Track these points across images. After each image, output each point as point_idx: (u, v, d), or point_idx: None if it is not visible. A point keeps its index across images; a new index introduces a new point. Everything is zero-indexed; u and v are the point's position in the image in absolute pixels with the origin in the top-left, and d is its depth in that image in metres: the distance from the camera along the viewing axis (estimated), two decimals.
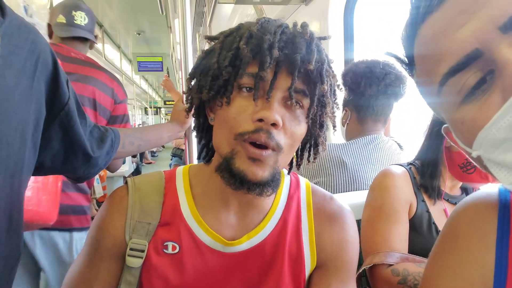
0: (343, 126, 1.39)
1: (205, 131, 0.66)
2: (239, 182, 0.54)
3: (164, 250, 0.61)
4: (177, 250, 0.61)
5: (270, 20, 0.58)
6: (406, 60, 0.46)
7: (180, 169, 0.69)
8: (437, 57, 0.37)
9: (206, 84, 0.57)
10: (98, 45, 5.80)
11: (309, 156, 0.66)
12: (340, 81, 1.37)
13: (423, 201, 0.94)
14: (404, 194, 0.92)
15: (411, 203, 0.92)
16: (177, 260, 0.61)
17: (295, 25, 0.58)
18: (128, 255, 0.60)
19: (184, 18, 1.16)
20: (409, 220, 0.92)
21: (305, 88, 0.55)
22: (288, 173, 0.70)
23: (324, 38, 0.61)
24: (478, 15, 0.33)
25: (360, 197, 1.07)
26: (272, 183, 0.55)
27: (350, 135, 1.36)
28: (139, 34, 5.89)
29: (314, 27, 2.25)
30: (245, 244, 0.62)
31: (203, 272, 0.61)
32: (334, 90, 0.61)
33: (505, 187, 0.35)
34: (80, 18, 1.50)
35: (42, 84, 0.57)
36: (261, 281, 0.62)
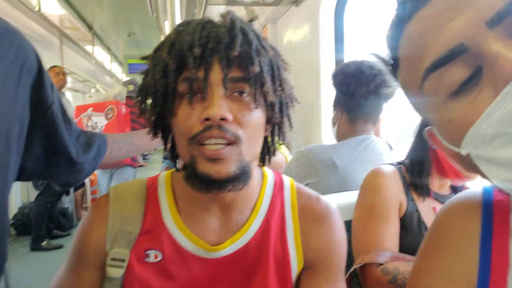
0: (334, 127, 1.40)
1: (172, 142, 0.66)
2: (207, 184, 0.53)
3: (146, 259, 0.60)
4: (159, 259, 0.60)
5: (192, 21, 0.57)
6: (391, 60, 0.45)
7: (163, 175, 0.68)
8: (422, 53, 0.37)
9: (151, 103, 0.57)
10: (88, 47, 5.75)
11: (279, 138, 0.65)
12: (330, 81, 1.38)
13: (413, 200, 0.95)
14: (394, 193, 0.92)
15: (401, 202, 0.93)
16: (160, 269, 0.60)
17: (223, 15, 0.57)
18: (109, 265, 0.60)
19: (173, 19, 1.16)
20: (400, 219, 0.93)
21: (243, 75, 0.54)
22: (264, 165, 0.69)
23: (251, 20, 0.60)
24: (465, 11, 0.33)
25: (351, 197, 1.07)
26: (241, 176, 0.54)
27: (340, 136, 1.37)
28: (129, 36, 5.85)
29: (305, 29, 2.26)
30: (229, 248, 0.61)
31: (187, 279, 0.60)
32: (276, 65, 0.58)
33: (496, 184, 0.33)
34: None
35: (27, 88, 0.57)
36: (246, 285, 0.61)
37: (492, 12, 0.32)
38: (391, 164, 1.00)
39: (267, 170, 0.70)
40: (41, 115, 0.61)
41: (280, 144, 1.99)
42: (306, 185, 1.29)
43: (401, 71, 0.43)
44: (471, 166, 0.38)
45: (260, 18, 2.83)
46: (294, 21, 2.45)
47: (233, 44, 0.52)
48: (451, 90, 0.35)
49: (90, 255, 0.61)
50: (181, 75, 0.54)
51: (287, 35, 2.61)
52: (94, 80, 8.99)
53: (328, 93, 1.94)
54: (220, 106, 0.51)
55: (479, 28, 0.32)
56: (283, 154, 1.99)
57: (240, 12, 3.11)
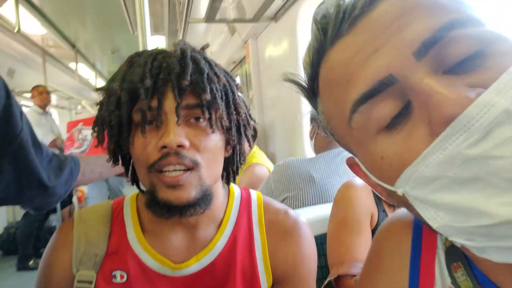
0: (311, 140, 1.43)
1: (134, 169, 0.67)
2: (168, 211, 0.55)
3: (113, 280, 0.61)
4: (125, 279, 0.61)
5: (143, 52, 0.59)
6: (308, 87, 0.42)
7: (128, 197, 0.69)
8: (347, 83, 0.34)
9: (107, 133, 0.59)
10: (71, 65, 5.72)
11: (239, 159, 0.67)
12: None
13: (384, 211, 0.97)
14: (366, 205, 0.95)
15: (372, 214, 0.95)
16: None
17: (175, 45, 0.58)
18: (76, 287, 0.60)
19: (143, 31, 1.20)
20: (372, 230, 0.95)
21: (197, 102, 0.55)
22: (228, 183, 0.70)
23: (203, 48, 0.62)
24: (391, 41, 0.31)
25: (328, 209, 1.09)
26: (202, 200, 0.56)
27: (318, 149, 1.40)
28: (113, 53, 5.85)
29: (284, 44, 2.31)
30: (194, 266, 0.62)
31: None
32: (230, 90, 0.60)
33: (433, 228, 0.31)
34: None
35: None
36: None
37: (418, 42, 0.30)
38: None
39: (234, 187, 0.71)
40: (10, 142, 0.62)
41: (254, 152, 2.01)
42: (285, 198, 1.31)
43: (323, 100, 0.41)
44: (402, 203, 0.36)
45: (241, 34, 2.88)
46: (274, 37, 2.50)
47: (184, 74, 0.54)
48: (382, 124, 0.33)
49: (56, 279, 0.62)
50: (135, 106, 0.55)
51: (268, 50, 2.66)
52: (80, 97, 8.92)
53: (308, 106, 1.98)
54: (176, 133, 0.53)
55: (407, 59, 0.30)
56: (266, 167, 2.00)
57: (222, 28, 3.16)
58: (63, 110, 10.22)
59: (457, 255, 0.41)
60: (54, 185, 0.73)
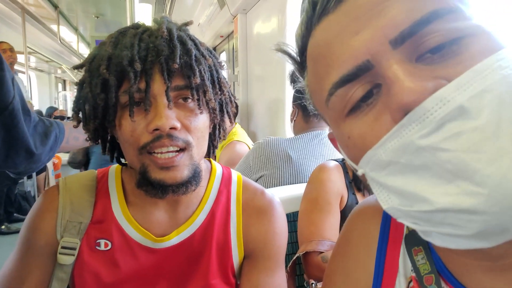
0: (291, 122, 1.45)
1: (113, 146, 0.67)
2: (161, 191, 0.56)
3: (97, 247, 0.63)
4: (109, 247, 0.63)
5: (127, 30, 0.57)
6: (298, 59, 0.43)
7: (113, 168, 0.70)
8: (329, 63, 0.35)
9: (90, 114, 0.57)
10: (53, 27, 5.50)
11: (219, 134, 0.69)
12: (288, 79, 1.42)
13: (354, 193, 1.02)
14: (337, 187, 0.99)
15: (342, 195, 1.00)
16: (109, 257, 0.63)
17: (157, 21, 0.57)
18: (60, 253, 0.62)
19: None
20: (341, 211, 0.99)
21: (186, 83, 0.55)
22: (208, 157, 0.72)
23: (187, 24, 0.61)
24: (371, 25, 0.31)
25: (302, 189, 1.13)
26: (194, 179, 0.57)
27: (297, 131, 1.42)
28: (97, 17, 5.65)
29: (273, 21, 2.29)
30: (175, 239, 0.64)
31: (134, 267, 0.63)
32: (215, 70, 0.61)
33: (384, 209, 0.33)
34: None
35: None
36: (190, 272, 0.65)
37: (396, 31, 0.30)
38: (336, 160, 1.07)
39: (217, 165, 0.74)
40: (2, 111, 0.61)
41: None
42: (262, 176, 1.34)
43: (309, 75, 0.41)
44: (366, 185, 0.38)
45: (231, 7, 2.83)
46: (263, 13, 2.47)
47: (173, 56, 0.53)
48: (351, 105, 0.34)
49: (40, 244, 0.62)
50: (121, 88, 0.55)
51: (256, 27, 2.62)
52: (60, 61, 8.63)
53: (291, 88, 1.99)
54: (168, 116, 0.53)
55: (383, 45, 0.31)
56: (246, 145, 2.03)
57: (211, 0, 3.06)
58: (42, 73, 9.88)
59: (419, 240, 0.43)
60: (40, 152, 0.73)
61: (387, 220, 0.48)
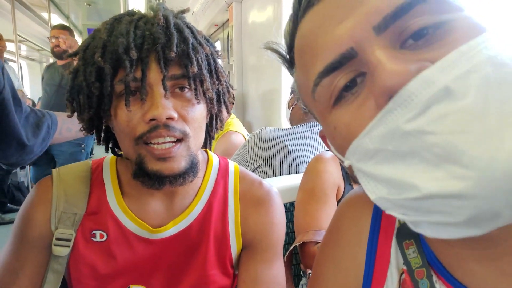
0: (288, 109, 1.45)
1: (108, 136, 0.66)
2: (158, 182, 0.55)
3: (93, 239, 0.62)
4: (104, 238, 0.62)
5: (122, 17, 0.56)
6: (288, 57, 0.42)
7: (108, 159, 0.69)
8: (314, 54, 0.35)
9: (84, 104, 0.56)
10: (44, 14, 5.39)
11: (216, 125, 0.68)
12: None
13: (350, 184, 1.02)
14: (333, 178, 0.99)
15: (339, 186, 1.00)
16: (105, 248, 0.62)
17: (153, 8, 0.56)
18: (54, 245, 0.61)
19: None
20: (337, 202, 1.00)
21: (183, 72, 0.54)
22: (205, 147, 0.71)
23: (183, 12, 0.60)
24: (355, 12, 0.31)
25: (299, 180, 1.13)
26: (191, 170, 0.57)
27: (293, 120, 1.42)
28: (89, 5, 5.55)
29: (268, 10, 2.26)
30: (171, 230, 0.64)
31: (131, 259, 0.63)
32: (212, 59, 0.60)
33: (372, 200, 0.32)
34: None
35: None
36: (187, 263, 0.65)
37: (379, 17, 0.30)
38: None
39: (214, 156, 0.73)
40: None
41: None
42: (258, 166, 1.34)
43: (297, 70, 0.41)
44: (354, 177, 0.37)
45: None
46: (259, 1, 2.44)
47: (170, 44, 0.52)
48: (335, 95, 0.34)
49: (34, 236, 0.62)
50: (116, 77, 0.53)
51: (251, 16, 2.60)
52: None
53: (288, 77, 1.97)
54: (165, 106, 0.52)
55: (367, 32, 0.30)
56: (242, 136, 2.02)
57: None
58: (33, 62, 9.72)
59: (410, 233, 0.42)
60: (32, 144, 0.72)
61: (378, 210, 0.47)
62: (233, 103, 2.41)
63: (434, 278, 0.38)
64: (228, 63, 3.05)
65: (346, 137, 0.33)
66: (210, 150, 0.75)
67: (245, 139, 1.99)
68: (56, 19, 5.98)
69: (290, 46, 0.40)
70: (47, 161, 2.55)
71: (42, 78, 2.75)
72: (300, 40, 0.37)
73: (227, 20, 3.04)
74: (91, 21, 6.84)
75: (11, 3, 4.47)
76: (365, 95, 0.32)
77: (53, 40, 2.56)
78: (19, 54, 4.88)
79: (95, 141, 0.67)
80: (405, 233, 0.43)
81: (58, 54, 2.59)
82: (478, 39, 0.26)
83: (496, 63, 0.25)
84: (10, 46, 4.68)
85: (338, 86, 0.33)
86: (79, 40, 8.35)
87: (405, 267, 0.41)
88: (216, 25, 3.73)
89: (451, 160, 0.25)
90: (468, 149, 0.24)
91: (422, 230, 0.30)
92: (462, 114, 0.25)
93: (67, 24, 6.74)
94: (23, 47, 7.96)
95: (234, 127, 2.02)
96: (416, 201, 0.27)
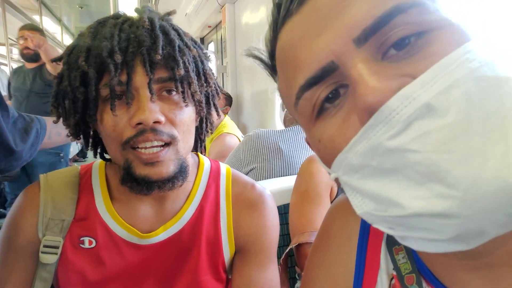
0: (282, 110, 1.45)
1: (96, 142, 0.65)
2: (146, 187, 0.54)
3: (81, 245, 0.61)
4: (93, 245, 0.61)
5: (107, 20, 0.55)
6: (270, 64, 0.41)
7: (96, 164, 0.68)
8: (295, 67, 0.34)
9: (69, 109, 0.55)
10: (35, 17, 5.36)
11: (206, 127, 0.68)
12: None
13: None
14: (326, 178, 0.98)
15: (332, 187, 1.00)
16: (94, 254, 0.61)
17: (138, 10, 0.55)
18: (42, 252, 0.60)
19: None
20: (331, 202, 0.99)
21: (169, 75, 0.53)
22: (196, 151, 0.70)
23: (169, 14, 0.59)
24: (334, 24, 0.30)
25: (292, 181, 1.13)
26: (180, 174, 0.56)
27: (288, 121, 1.42)
28: (81, 7, 5.52)
29: (262, 11, 2.26)
30: (162, 235, 0.63)
31: (120, 265, 0.62)
32: (200, 61, 0.59)
33: (358, 214, 0.31)
34: None
35: None
36: (179, 268, 0.64)
37: (359, 29, 0.29)
38: None
39: (205, 159, 0.72)
40: None
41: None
42: (252, 169, 1.34)
43: (279, 79, 0.40)
44: (342, 188, 0.36)
45: None
46: (252, 3, 2.44)
47: (156, 47, 0.51)
48: (318, 107, 0.33)
49: (22, 243, 0.60)
50: (101, 81, 0.52)
51: (245, 17, 2.59)
52: None
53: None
54: (151, 110, 0.51)
55: (347, 45, 0.29)
56: (236, 137, 2.02)
57: None
58: None
59: None
60: (21, 150, 0.70)
61: None
62: (230, 106, 2.41)
63: (424, 284, 0.38)
64: (222, 64, 3.04)
65: (330, 151, 0.33)
66: (204, 152, 0.74)
67: (240, 141, 1.99)
68: (48, 22, 5.94)
69: (272, 54, 0.40)
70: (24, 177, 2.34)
71: (9, 83, 2.56)
72: (281, 51, 0.37)
73: (221, 22, 3.03)
74: (83, 23, 6.81)
75: (2, 7, 4.44)
76: (348, 108, 0.31)
77: (21, 42, 2.37)
78: (11, 58, 4.84)
79: (86, 146, 0.65)
80: (395, 239, 0.43)
81: (28, 56, 2.38)
82: (460, 50, 0.26)
83: (478, 76, 0.25)
84: (1, 50, 4.64)
85: (320, 98, 0.33)
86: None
87: (395, 273, 0.41)
88: (209, 26, 3.72)
89: (435, 179, 0.25)
90: (452, 169, 0.24)
91: (409, 243, 0.30)
92: (444, 132, 0.24)
93: (60, 27, 6.70)
94: (15, 51, 7.90)
95: (228, 129, 2.01)
96: (401, 219, 0.27)
